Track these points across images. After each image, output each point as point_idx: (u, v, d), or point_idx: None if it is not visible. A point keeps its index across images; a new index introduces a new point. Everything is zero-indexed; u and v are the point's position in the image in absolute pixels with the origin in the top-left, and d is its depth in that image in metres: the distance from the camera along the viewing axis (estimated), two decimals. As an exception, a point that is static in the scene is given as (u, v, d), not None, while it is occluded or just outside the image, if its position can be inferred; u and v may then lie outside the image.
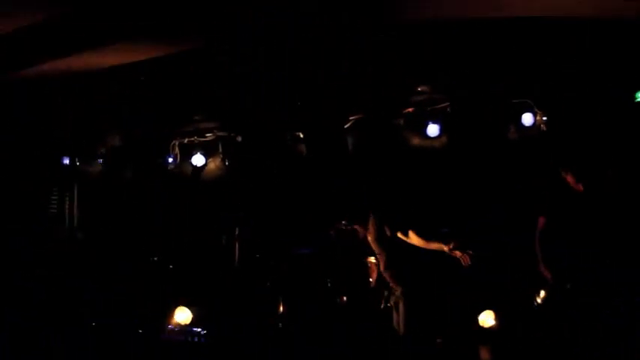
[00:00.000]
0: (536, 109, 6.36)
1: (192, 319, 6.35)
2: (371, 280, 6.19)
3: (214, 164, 7.41)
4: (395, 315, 5.19)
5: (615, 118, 5.92)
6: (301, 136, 7.14)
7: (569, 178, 5.31)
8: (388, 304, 5.34)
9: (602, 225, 5.13)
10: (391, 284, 5.21)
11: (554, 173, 5.53)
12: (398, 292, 5.11)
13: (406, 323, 5.01)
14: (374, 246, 5.28)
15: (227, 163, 7.33)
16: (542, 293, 5.68)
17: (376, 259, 5.53)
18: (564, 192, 5.40)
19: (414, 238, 4.94)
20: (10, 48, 5.91)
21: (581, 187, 5.26)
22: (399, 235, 4.99)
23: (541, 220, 5.42)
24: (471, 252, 4.76)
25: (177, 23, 5.59)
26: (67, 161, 7.33)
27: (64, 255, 6.70)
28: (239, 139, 7.26)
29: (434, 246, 4.90)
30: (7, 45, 5.85)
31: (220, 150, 7.35)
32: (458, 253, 4.78)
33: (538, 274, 5.46)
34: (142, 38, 5.75)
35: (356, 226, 5.44)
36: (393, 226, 5.02)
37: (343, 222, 5.42)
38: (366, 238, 5.42)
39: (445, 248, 4.84)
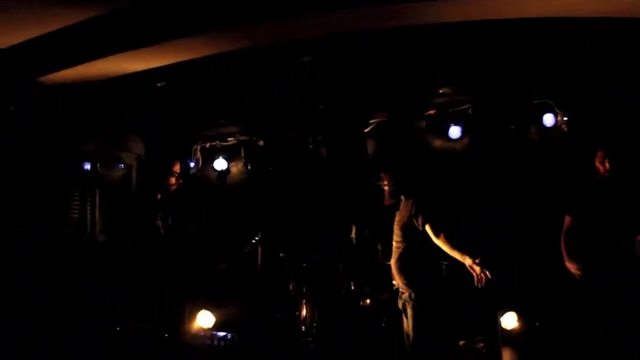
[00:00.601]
0: (557, 110, 6.39)
1: (215, 322, 6.39)
2: (394, 282, 6.17)
3: (237, 168, 7.47)
4: (405, 320, 5.07)
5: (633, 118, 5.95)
6: (322, 140, 7.17)
7: (600, 156, 5.28)
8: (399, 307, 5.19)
9: (603, 224, 5.16)
10: (399, 282, 5.10)
11: (577, 168, 5.56)
12: (405, 294, 5.00)
13: (415, 329, 4.91)
14: (397, 231, 5.11)
15: (249, 167, 7.39)
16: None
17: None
18: (581, 190, 5.43)
19: (442, 240, 4.80)
20: (36, 53, 5.97)
21: (607, 165, 5.23)
22: (428, 229, 4.86)
23: (567, 219, 5.45)
24: (489, 274, 4.60)
25: (200, 28, 5.64)
26: (88, 167, 7.35)
27: (84, 258, 6.72)
28: (261, 143, 7.31)
29: (456, 254, 4.76)
30: (33, 50, 5.92)
31: (242, 154, 7.42)
32: (477, 270, 4.63)
33: (563, 273, 5.46)
34: (172, 42, 5.78)
35: (387, 187, 5.16)
36: (428, 218, 4.89)
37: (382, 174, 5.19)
38: (390, 205, 5.19)
39: (467, 262, 4.69)
